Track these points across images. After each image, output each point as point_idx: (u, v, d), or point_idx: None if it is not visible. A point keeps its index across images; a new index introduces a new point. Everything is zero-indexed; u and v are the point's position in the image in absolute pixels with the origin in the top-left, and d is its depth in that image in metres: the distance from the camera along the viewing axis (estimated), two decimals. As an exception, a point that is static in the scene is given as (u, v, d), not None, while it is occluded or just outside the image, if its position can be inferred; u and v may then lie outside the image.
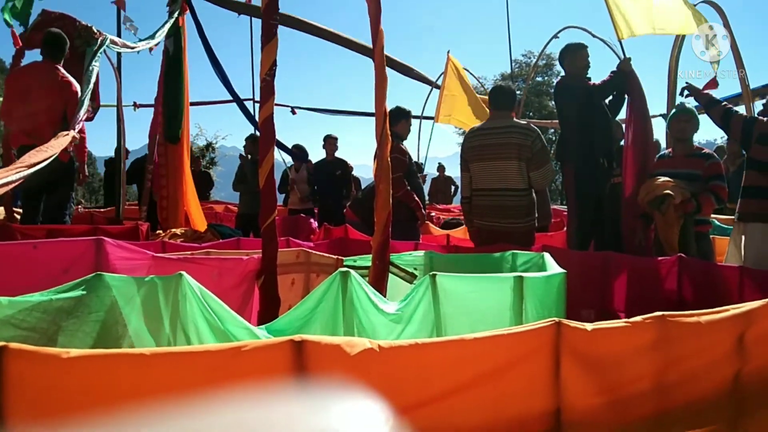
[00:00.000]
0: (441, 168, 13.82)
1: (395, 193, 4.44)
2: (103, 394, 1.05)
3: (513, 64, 16.20)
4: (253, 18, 6.68)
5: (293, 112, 11.01)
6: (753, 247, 3.59)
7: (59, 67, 4.66)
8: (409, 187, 4.83)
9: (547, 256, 2.70)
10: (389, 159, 2.74)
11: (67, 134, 3.32)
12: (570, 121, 4.66)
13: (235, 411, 0.48)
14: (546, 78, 26.80)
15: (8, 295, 1.63)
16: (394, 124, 4.67)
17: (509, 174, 3.97)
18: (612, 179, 4.77)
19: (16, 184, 2.54)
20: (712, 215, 4.55)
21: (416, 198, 4.91)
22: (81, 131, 4.24)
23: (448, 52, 5.80)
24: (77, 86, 4.54)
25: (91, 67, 4.14)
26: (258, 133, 7.20)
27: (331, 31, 6.68)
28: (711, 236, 4.29)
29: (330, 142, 7.51)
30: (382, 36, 2.67)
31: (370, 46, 2.70)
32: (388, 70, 2.71)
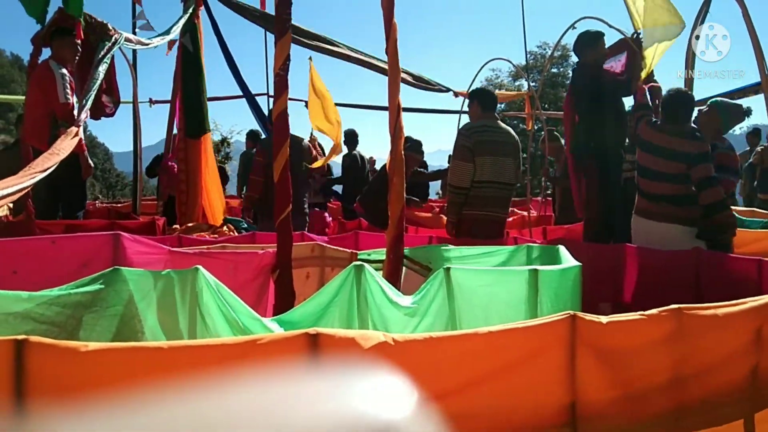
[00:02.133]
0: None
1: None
2: (121, 387, 1.07)
3: (528, 55, 16.07)
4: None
5: (307, 107, 10.98)
6: (639, 240, 3.84)
7: (53, 62, 4.69)
8: None
9: (562, 248, 2.69)
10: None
11: (75, 135, 3.33)
12: (591, 114, 4.63)
13: (250, 400, 0.49)
14: (561, 69, 26.54)
15: (28, 290, 1.66)
16: None
17: (510, 169, 4.38)
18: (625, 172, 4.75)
19: (28, 189, 2.60)
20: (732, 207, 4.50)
21: None
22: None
23: (310, 59, 6.17)
24: (52, 67, 4.58)
25: (97, 73, 4.11)
26: (257, 130, 7.30)
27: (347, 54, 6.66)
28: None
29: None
30: (395, 29, 2.66)
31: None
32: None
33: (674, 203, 3.68)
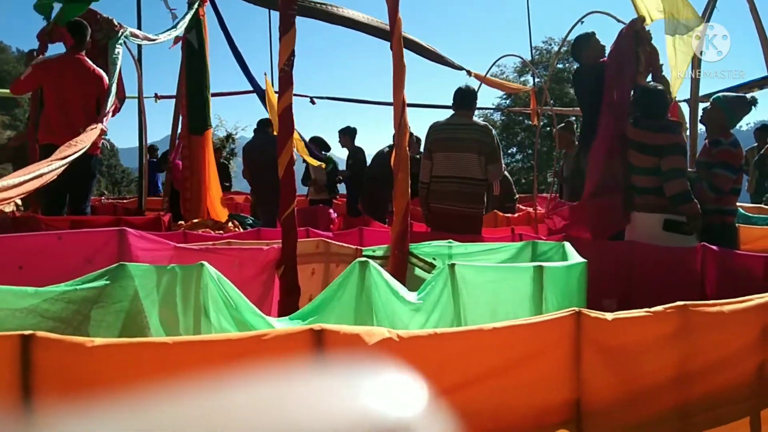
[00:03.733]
0: None
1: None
2: (127, 382, 1.07)
3: (533, 51, 15.99)
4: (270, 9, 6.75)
5: (312, 102, 10.97)
6: (629, 232, 4.00)
7: (87, 59, 4.72)
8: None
9: (567, 245, 2.68)
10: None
11: (96, 128, 3.38)
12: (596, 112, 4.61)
13: (255, 395, 0.49)
14: (567, 65, 26.41)
15: (34, 285, 1.67)
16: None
17: (470, 165, 4.50)
18: None
19: (49, 177, 2.57)
20: (739, 204, 4.48)
21: None
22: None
23: (265, 74, 6.68)
24: (106, 78, 4.62)
25: (114, 55, 4.19)
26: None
27: (349, 18, 6.66)
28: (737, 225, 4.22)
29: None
30: (400, 24, 2.65)
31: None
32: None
33: (655, 194, 3.81)
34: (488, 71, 9.52)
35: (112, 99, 4.04)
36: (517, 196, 8.05)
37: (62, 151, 2.76)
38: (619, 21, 5.13)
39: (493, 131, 4.70)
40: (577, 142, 6.86)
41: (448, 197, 4.55)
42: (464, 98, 4.74)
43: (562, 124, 7.22)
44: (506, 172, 7.97)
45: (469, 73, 9.38)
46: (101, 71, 4.69)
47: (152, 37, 5.13)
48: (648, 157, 3.81)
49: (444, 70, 8.32)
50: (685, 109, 6.33)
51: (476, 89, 5.12)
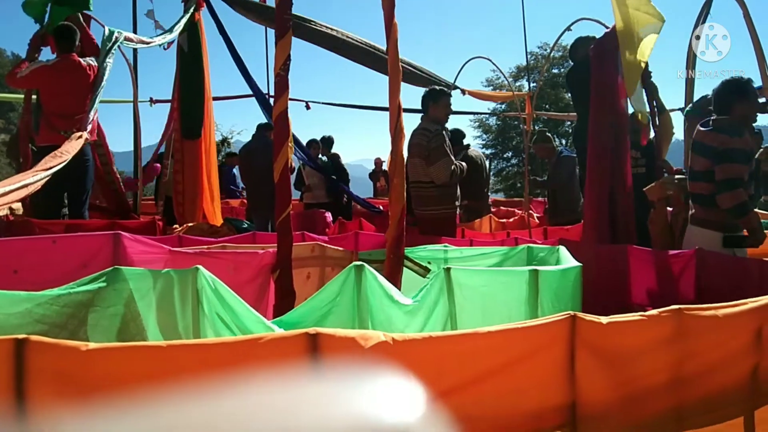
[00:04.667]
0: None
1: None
2: (121, 386, 1.07)
3: (529, 56, 16.03)
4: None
5: (307, 107, 10.96)
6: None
7: (78, 59, 4.75)
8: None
9: (562, 249, 2.69)
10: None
11: (80, 137, 3.38)
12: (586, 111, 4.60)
13: (250, 399, 0.49)
14: (562, 70, 26.52)
15: (29, 289, 1.66)
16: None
17: (416, 169, 4.66)
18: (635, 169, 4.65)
19: (34, 188, 2.58)
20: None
21: None
22: (91, 131, 4.23)
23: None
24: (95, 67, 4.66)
25: (104, 64, 4.18)
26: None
27: (345, 40, 6.72)
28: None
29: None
30: (396, 29, 2.66)
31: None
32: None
33: (707, 205, 3.40)
34: (458, 74, 9.70)
35: (95, 107, 4.03)
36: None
37: (47, 161, 2.77)
38: (607, 27, 5.15)
39: (435, 132, 4.59)
40: (558, 147, 6.89)
41: (414, 202, 4.72)
42: (421, 103, 4.82)
43: (535, 137, 7.08)
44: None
45: (463, 92, 9.58)
46: (88, 62, 4.77)
47: (147, 40, 5.12)
48: (702, 158, 3.37)
49: (441, 74, 8.37)
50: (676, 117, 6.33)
51: (441, 89, 4.93)
